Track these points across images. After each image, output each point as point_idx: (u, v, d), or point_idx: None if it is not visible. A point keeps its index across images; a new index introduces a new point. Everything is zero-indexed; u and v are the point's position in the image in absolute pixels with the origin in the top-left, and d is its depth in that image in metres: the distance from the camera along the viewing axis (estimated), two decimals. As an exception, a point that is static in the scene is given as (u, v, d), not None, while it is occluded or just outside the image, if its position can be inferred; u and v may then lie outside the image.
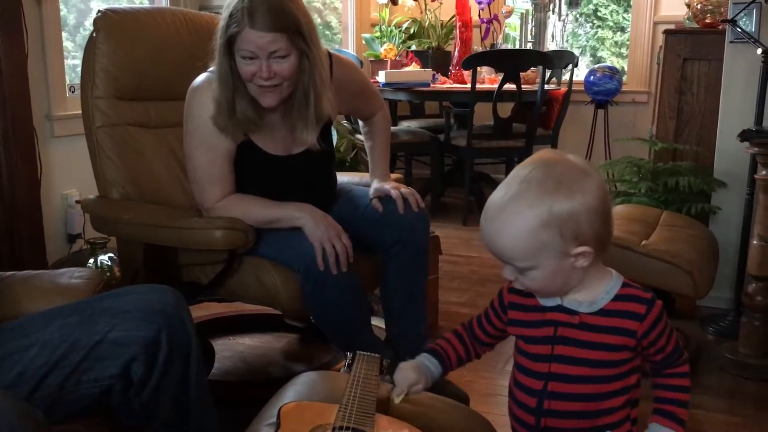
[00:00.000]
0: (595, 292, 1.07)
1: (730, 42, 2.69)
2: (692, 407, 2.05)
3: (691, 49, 3.22)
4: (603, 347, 1.05)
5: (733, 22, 2.56)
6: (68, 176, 2.81)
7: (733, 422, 1.99)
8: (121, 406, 1.18)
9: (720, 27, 3.06)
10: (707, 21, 3.22)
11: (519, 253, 1.02)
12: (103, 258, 2.67)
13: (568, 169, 1.03)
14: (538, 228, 0.99)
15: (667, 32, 3.35)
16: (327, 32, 5.41)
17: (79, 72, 1.99)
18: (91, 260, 2.66)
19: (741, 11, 2.55)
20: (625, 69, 4.95)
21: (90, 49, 1.96)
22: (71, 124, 2.68)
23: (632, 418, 1.12)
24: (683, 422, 1.09)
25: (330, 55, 1.91)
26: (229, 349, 2.41)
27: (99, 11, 1.98)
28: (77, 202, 2.77)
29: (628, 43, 4.98)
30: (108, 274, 2.62)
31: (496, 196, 1.05)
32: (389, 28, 4.98)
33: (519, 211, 1.01)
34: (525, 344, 1.12)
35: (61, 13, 2.86)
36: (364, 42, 5.08)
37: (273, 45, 1.67)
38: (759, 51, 2.46)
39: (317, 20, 5.21)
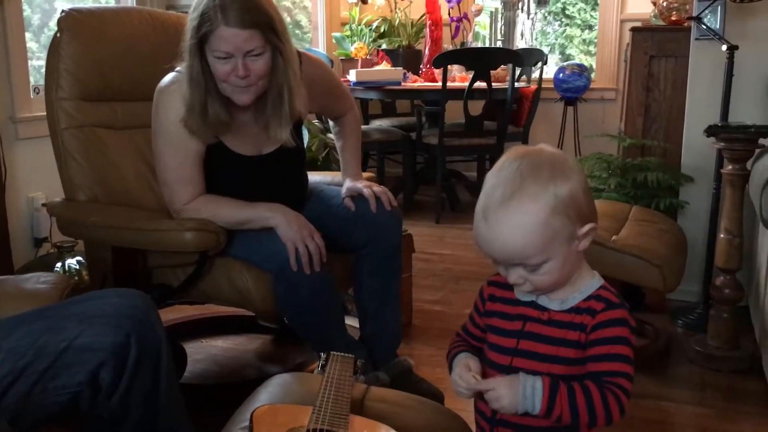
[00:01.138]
0: (571, 290, 1.06)
1: (696, 39, 2.73)
2: (663, 399, 2.08)
3: (657, 47, 3.26)
4: (562, 342, 1.04)
5: (698, 19, 2.59)
6: (34, 179, 2.76)
7: (703, 414, 2.02)
8: (90, 413, 1.16)
9: (685, 24, 3.11)
10: (673, 18, 3.26)
11: (534, 249, 0.99)
12: (71, 262, 2.63)
13: (551, 155, 1.03)
14: (548, 218, 0.98)
15: (633, 30, 3.39)
16: (297, 31, 5.38)
17: (44, 73, 1.95)
18: (59, 264, 2.61)
19: (706, 8, 2.59)
20: (594, 66, 5.00)
21: (54, 49, 1.92)
22: (36, 126, 2.63)
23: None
24: (558, 400, 1.00)
25: (299, 53, 1.90)
26: (202, 352, 2.38)
27: (63, 11, 1.94)
28: (43, 205, 2.71)
29: (596, 40, 5.03)
30: (76, 278, 2.58)
31: (494, 198, 1.00)
32: (359, 27, 4.97)
33: (525, 206, 0.98)
34: (493, 335, 1.12)
35: (25, 14, 2.81)
36: (334, 41, 5.07)
37: (248, 43, 1.66)
38: (724, 47, 2.50)
39: (287, 19, 5.18)
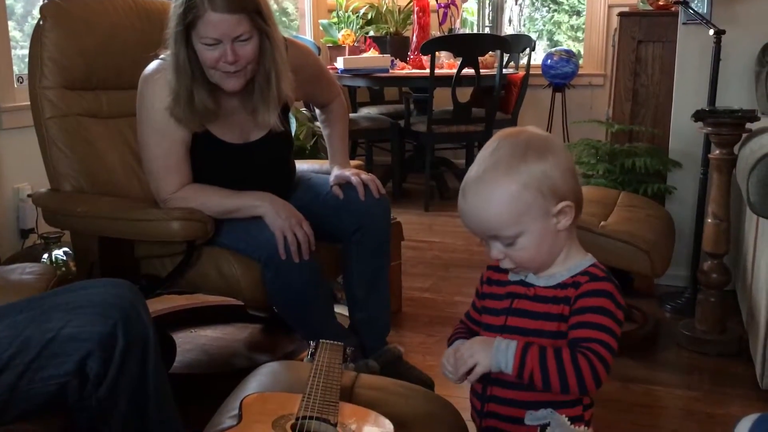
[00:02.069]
0: (560, 269, 1.08)
1: (683, 23, 2.73)
2: (651, 383, 2.10)
3: (645, 32, 3.26)
4: (545, 317, 1.06)
5: (686, 3, 2.59)
6: (19, 169, 2.73)
7: (691, 397, 2.03)
8: (78, 403, 1.15)
9: (673, 9, 3.11)
10: (660, 3, 3.26)
11: (505, 220, 1.03)
12: (58, 253, 2.61)
13: (531, 136, 1.07)
14: (519, 190, 1.02)
15: (621, 15, 3.39)
16: (284, 19, 5.35)
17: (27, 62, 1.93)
18: (45, 255, 2.59)
19: (693, -7, 2.58)
20: (582, 52, 5.00)
21: (37, 38, 1.90)
22: (20, 115, 2.60)
23: (586, 403, 1.10)
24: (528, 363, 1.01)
25: (285, 40, 1.89)
26: (191, 342, 2.38)
27: (45, -2, 1.92)
28: (29, 195, 2.69)
29: (584, 26, 5.03)
30: (63, 269, 2.56)
31: (471, 174, 1.06)
32: (347, 14, 4.94)
33: (497, 179, 1.03)
34: (486, 315, 1.14)
35: (8, 2, 2.78)
36: (321, 28, 5.04)
37: (236, 28, 1.64)
38: (711, 32, 2.50)
39: (274, 6, 5.14)
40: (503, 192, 1.02)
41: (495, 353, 1.03)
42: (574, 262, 1.08)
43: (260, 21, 1.68)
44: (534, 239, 1.04)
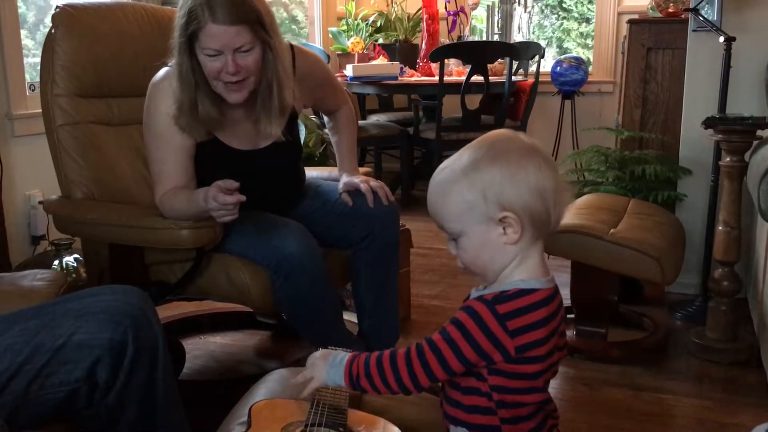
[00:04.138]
0: (495, 285, 1.05)
1: (693, 31, 2.72)
2: (661, 392, 2.09)
3: (654, 39, 3.25)
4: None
5: (696, 10, 2.59)
6: (31, 176, 2.75)
7: (702, 405, 2.02)
8: (87, 410, 1.16)
9: (683, 16, 3.10)
10: (670, 10, 3.26)
11: (449, 212, 1.04)
12: (69, 259, 2.62)
13: (508, 140, 1.05)
14: (464, 188, 1.02)
15: (631, 22, 3.39)
16: (293, 26, 5.37)
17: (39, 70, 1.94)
18: (56, 262, 2.61)
19: (703, 0, 2.58)
20: (591, 59, 4.99)
21: (49, 45, 1.91)
22: (32, 123, 2.62)
23: (503, 417, 1.04)
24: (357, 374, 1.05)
25: (292, 47, 1.89)
26: (201, 348, 2.38)
27: (57, 7, 1.93)
28: (40, 202, 2.71)
29: (593, 33, 5.02)
30: (74, 275, 2.57)
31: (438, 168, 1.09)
32: (356, 22, 4.96)
33: (453, 172, 1.04)
34: None
35: (20, 11, 2.80)
36: (330, 36, 5.05)
37: (237, 39, 1.65)
38: (721, 39, 2.49)
39: (283, 14, 5.17)
40: (450, 184, 1.03)
41: (329, 368, 1.06)
42: (506, 282, 1.04)
43: (262, 32, 1.69)
44: (474, 243, 1.04)
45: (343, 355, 1.07)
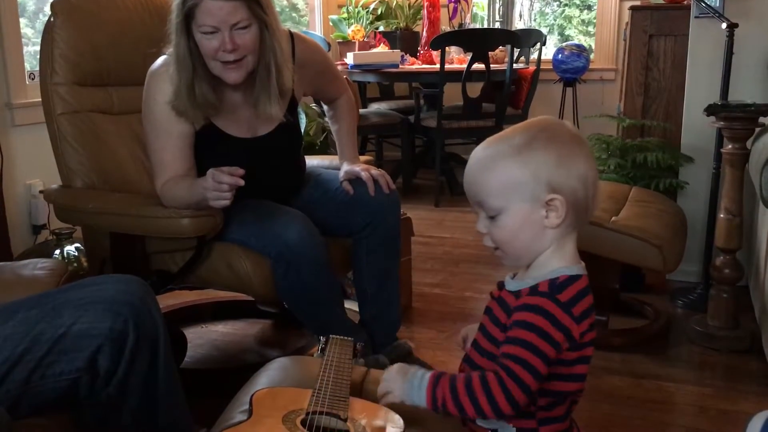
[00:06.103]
0: (533, 273, 1.03)
1: (695, 17, 2.71)
2: (663, 379, 2.09)
3: (657, 25, 3.23)
4: (497, 323, 1.04)
5: (698, -3, 2.57)
6: (31, 165, 2.74)
7: (703, 393, 2.02)
8: (89, 399, 1.16)
9: (685, 2, 3.09)
10: (672, -3, 3.24)
11: (493, 187, 1.01)
12: (70, 248, 2.62)
13: (560, 126, 1.04)
14: (513, 164, 1.00)
15: (633, 9, 3.36)
16: (294, 14, 5.35)
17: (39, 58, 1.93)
18: (57, 251, 2.60)
19: (705, -14, 2.56)
20: (593, 47, 4.97)
21: (48, 34, 1.91)
22: (32, 112, 2.61)
23: (540, 417, 1.03)
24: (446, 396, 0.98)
25: (292, 34, 1.89)
26: (202, 337, 2.39)
27: (56, -5, 1.92)
28: (41, 192, 2.71)
29: (594, 20, 4.99)
30: (75, 264, 2.57)
31: (487, 139, 1.06)
32: (356, 9, 4.94)
33: (501, 149, 1.02)
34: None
35: (19, 0, 2.79)
36: (331, 24, 5.03)
37: (234, 15, 1.64)
38: (723, 25, 2.48)
39: (283, 2, 5.14)
40: (499, 160, 1.01)
41: (408, 389, 1.01)
42: (546, 270, 1.02)
43: (258, 9, 1.68)
44: (515, 221, 1.01)
45: (421, 374, 1.01)
